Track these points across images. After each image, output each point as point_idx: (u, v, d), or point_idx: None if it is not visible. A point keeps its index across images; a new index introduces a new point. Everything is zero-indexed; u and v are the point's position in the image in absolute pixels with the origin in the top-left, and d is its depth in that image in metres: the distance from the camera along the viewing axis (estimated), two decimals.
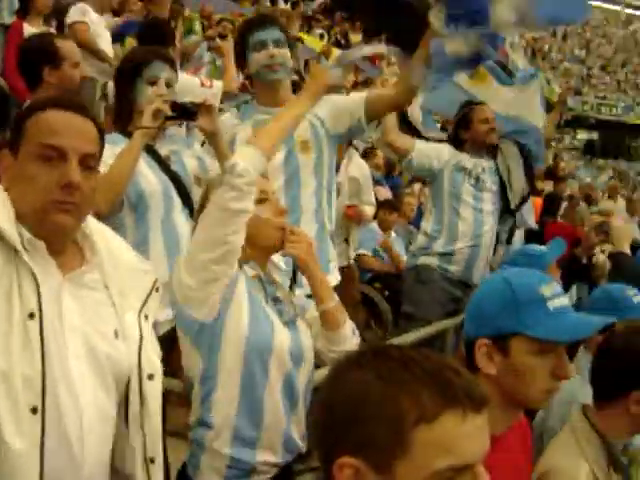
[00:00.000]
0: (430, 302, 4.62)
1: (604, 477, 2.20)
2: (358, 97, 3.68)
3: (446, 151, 4.74)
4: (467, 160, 4.71)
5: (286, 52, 3.60)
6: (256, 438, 2.27)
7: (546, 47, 37.67)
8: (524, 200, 5.01)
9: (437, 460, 1.07)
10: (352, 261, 5.94)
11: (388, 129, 4.60)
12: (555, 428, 2.57)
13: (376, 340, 5.55)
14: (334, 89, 4.23)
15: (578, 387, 2.65)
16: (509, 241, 5.15)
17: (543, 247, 4.21)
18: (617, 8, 47.72)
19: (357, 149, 5.85)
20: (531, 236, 6.48)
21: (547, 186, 9.86)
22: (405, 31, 3.65)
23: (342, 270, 5.33)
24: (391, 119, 4.56)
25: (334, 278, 3.73)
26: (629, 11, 48.27)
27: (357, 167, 5.71)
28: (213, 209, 2.26)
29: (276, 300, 2.41)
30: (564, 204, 8.80)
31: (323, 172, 3.63)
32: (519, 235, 5.92)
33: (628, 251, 4.54)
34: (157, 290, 1.90)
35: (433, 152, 4.71)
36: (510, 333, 1.79)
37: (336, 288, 3.85)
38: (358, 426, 1.09)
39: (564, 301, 1.85)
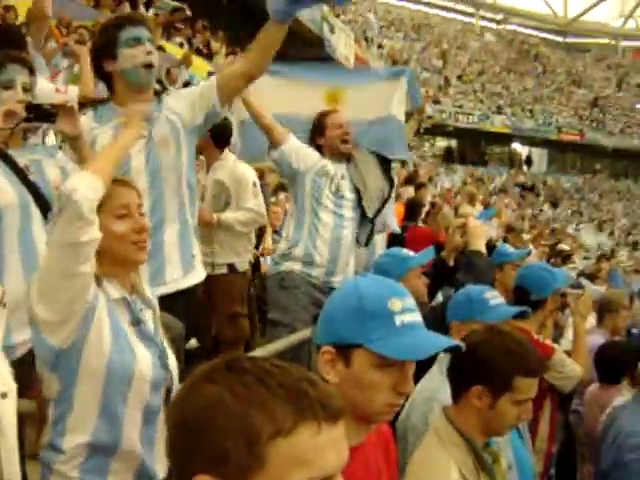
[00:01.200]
0: (295, 307, 4.61)
1: (473, 477, 2.26)
2: (208, 82, 3.62)
3: (314, 155, 4.74)
4: (330, 165, 4.73)
5: (157, 55, 3.53)
6: (107, 465, 2.20)
7: (405, 57, 38.60)
8: (385, 202, 5.05)
9: (295, 474, 1.05)
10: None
11: (258, 113, 4.59)
12: (418, 426, 2.61)
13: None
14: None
15: (439, 385, 2.71)
16: (367, 244, 5.20)
17: (408, 251, 4.25)
18: (472, 20, 49.62)
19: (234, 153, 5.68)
20: (394, 240, 6.61)
21: (408, 192, 10.07)
22: None
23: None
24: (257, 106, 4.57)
25: (198, 273, 3.70)
26: (483, 23, 50.28)
27: (230, 170, 5.54)
28: (59, 242, 2.15)
29: (140, 322, 2.32)
30: (425, 209, 9.03)
31: (182, 168, 3.56)
32: (381, 239, 6.01)
33: (484, 250, 4.69)
34: (4, 306, 1.81)
35: (302, 152, 4.71)
36: (353, 344, 1.74)
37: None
38: (212, 443, 1.06)
39: (414, 317, 1.80)
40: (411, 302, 1.82)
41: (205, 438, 1.07)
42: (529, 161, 42.77)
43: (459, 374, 2.38)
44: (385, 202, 5.04)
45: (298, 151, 4.69)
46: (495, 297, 3.19)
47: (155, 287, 3.30)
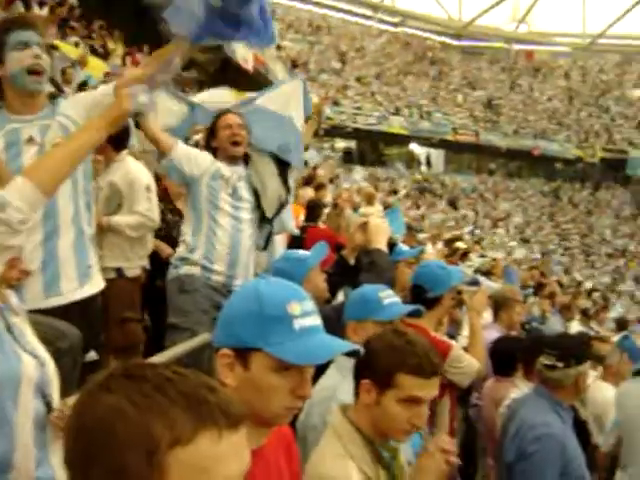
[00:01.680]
0: (195, 311, 4.55)
1: (373, 474, 2.27)
2: (106, 88, 3.51)
3: (207, 158, 4.69)
4: (225, 168, 4.69)
5: (48, 59, 3.41)
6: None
7: (304, 59, 38.78)
8: (282, 207, 5.05)
9: None
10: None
11: (148, 127, 4.50)
12: (317, 426, 2.62)
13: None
14: (138, 116, 4.10)
15: (337, 384, 2.72)
16: (265, 247, 5.19)
17: (305, 252, 4.27)
18: (371, 23, 50.19)
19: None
20: (293, 242, 6.62)
21: (308, 193, 10.09)
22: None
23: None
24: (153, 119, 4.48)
25: (96, 283, 3.63)
26: (381, 26, 50.92)
27: (124, 173, 5.37)
28: None
29: (12, 328, 2.23)
30: (327, 210, 9.07)
31: (77, 174, 3.43)
32: (280, 241, 5.99)
33: (385, 248, 4.74)
34: None
35: (194, 157, 4.65)
36: (252, 347, 1.74)
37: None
38: (110, 455, 1.03)
39: (313, 321, 1.81)
40: (310, 306, 1.83)
41: (104, 449, 1.04)
42: (429, 162, 43.59)
43: (355, 370, 2.40)
44: (282, 206, 5.04)
45: (188, 157, 4.63)
46: (389, 296, 3.23)
47: (50, 298, 3.21)
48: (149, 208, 5.35)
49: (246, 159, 4.83)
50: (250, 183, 4.78)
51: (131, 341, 5.35)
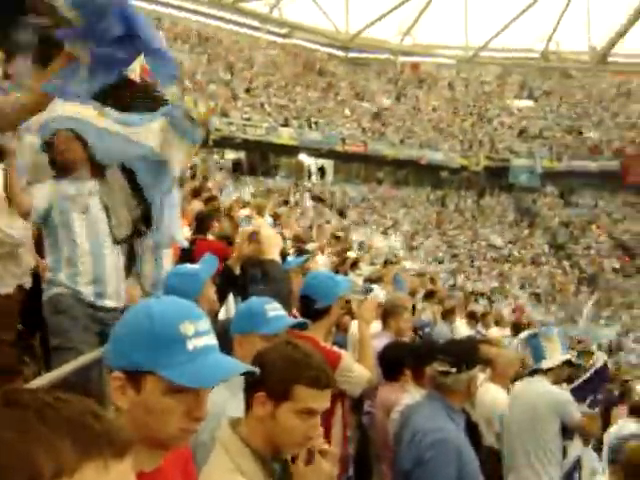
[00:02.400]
0: (73, 329, 4.44)
1: None
2: None
3: (45, 186, 4.60)
4: (69, 186, 4.60)
5: None
6: None
7: (192, 69, 38.48)
8: (136, 232, 4.92)
9: None
10: None
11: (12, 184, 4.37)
12: (207, 442, 2.58)
13: (31, 377, 5.16)
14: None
15: (226, 399, 2.69)
16: (131, 261, 5.08)
17: (196, 265, 4.21)
18: (259, 34, 50.29)
19: None
20: (182, 254, 6.53)
21: (196, 205, 9.98)
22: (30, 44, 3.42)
23: None
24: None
25: None
26: (270, 37, 51.08)
27: None
28: None
29: None
30: (216, 222, 8.99)
31: None
32: (168, 254, 5.87)
33: (278, 258, 4.73)
34: None
35: (38, 193, 4.54)
36: (144, 370, 1.69)
37: None
38: None
39: (207, 340, 1.77)
40: (205, 325, 1.79)
41: None
42: (323, 172, 43.93)
43: (247, 384, 2.37)
44: (136, 233, 4.92)
45: (36, 196, 4.54)
46: (275, 309, 3.22)
47: None
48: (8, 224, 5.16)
49: (99, 173, 4.73)
50: (101, 199, 4.69)
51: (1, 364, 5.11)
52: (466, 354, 3.93)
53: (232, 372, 1.82)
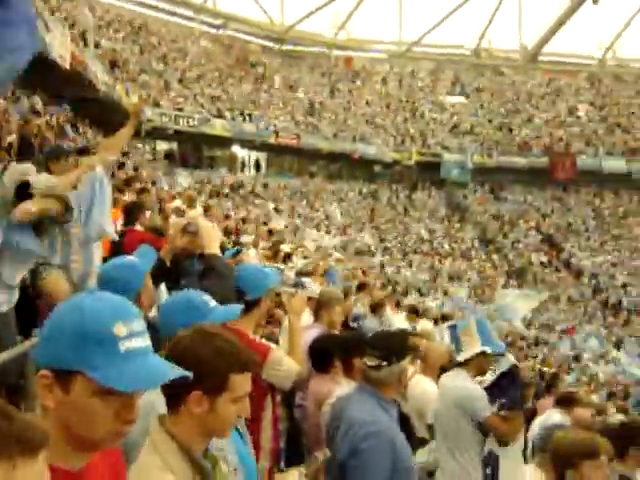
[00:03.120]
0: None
1: None
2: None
3: None
4: None
5: None
6: None
7: (124, 58, 37.88)
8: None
9: None
10: None
11: None
12: (138, 442, 2.54)
13: None
14: None
15: (156, 398, 2.64)
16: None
17: (133, 257, 4.09)
18: (193, 25, 49.76)
19: None
20: (111, 245, 6.44)
21: (128, 197, 9.86)
22: None
23: None
24: None
25: None
26: (203, 28, 50.60)
27: None
28: None
29: None
30: (148, 213, 8.89)
31: None
32: (98, 247, 5.73)
33: (218, 252, 4.68)
34: None
35: None
36: (73, 370, 1.64)
37: None
38: None
39: (141, 342, 1.73)
40: (139, 325, 1.75)
41: None
42: (258, 165, 43.82)
43: (173, 383, 2.33)
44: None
45: None
46: (211, 299, 3.19)
47: None
48: None
49: None
50: None
51: None
52: (395, 347, 3.95)
53: (164, 378, 1.78)
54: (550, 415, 7.45)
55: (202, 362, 2.24)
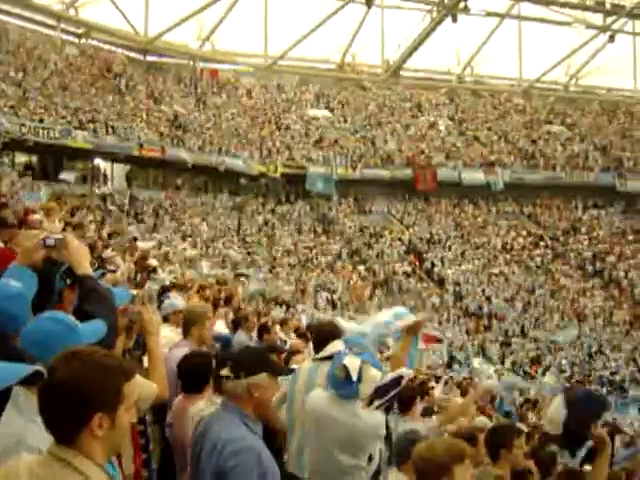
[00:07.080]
0: None
1: None
2: None
3: None
4: None
5: None
6: None
7: None
8: None
9: None
10: None
11: None
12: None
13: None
14: None
15: (23, 427, 2.54)
16: None
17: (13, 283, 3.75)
18: (52, 33, 48.33)
19: None
20: None
21: None
22: None
23: None
24: None
25: None
26: (65, 36, 49.27)
27: None
28: None
29: None
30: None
31: None
32: None
33: (90, 271, 4.54)
34: None
35: None
36: None
37: None
38: None
39: None
40: None
41: None
42: (120, 177, 42.92)
43: (67, 416, 2.25)
44: None
45: None
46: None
47: None
48: None
49: None
50: None
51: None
52: (248, 361, 3.97)
53: (16, 376, 1.75)
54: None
55: (95, 384, 2.22)
